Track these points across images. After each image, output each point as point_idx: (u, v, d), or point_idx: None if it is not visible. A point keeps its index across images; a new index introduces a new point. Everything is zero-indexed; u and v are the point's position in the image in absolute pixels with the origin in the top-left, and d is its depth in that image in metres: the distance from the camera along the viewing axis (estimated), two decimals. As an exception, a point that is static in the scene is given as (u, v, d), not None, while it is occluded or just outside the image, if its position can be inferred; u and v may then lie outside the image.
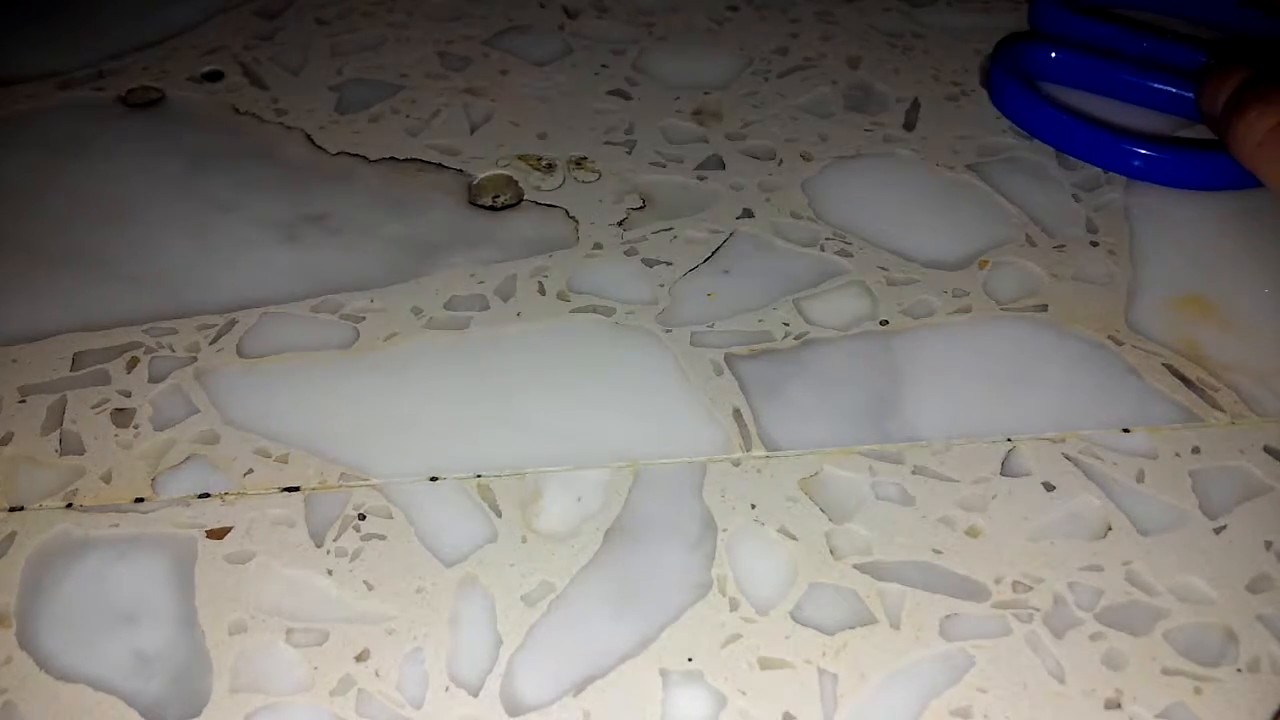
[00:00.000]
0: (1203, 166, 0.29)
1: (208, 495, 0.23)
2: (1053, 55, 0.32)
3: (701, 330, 0.26)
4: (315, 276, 0.27)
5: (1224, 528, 0.22)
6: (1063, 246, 0.28)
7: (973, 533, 0.22)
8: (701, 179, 0.30)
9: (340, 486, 0.23)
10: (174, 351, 0.25)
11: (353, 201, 0.29)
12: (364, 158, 0.30)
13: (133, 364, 0.25)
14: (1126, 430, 0.24)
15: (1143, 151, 0.29)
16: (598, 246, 0.28)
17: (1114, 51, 0.32)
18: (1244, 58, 0.28)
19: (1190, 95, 0.30)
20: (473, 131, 0.31)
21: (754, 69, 0.34)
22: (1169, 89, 0.31)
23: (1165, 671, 0.20)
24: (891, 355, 0.25)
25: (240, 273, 0.27)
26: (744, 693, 0.20)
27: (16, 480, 0.23)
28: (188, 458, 0.23)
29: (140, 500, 0.22)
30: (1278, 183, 0.25)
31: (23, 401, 0.24)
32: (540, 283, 0.27)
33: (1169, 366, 0.25)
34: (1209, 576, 0.21)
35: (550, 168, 0.30)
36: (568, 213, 0.29)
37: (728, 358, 0.25)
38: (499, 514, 0.22)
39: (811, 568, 0.21)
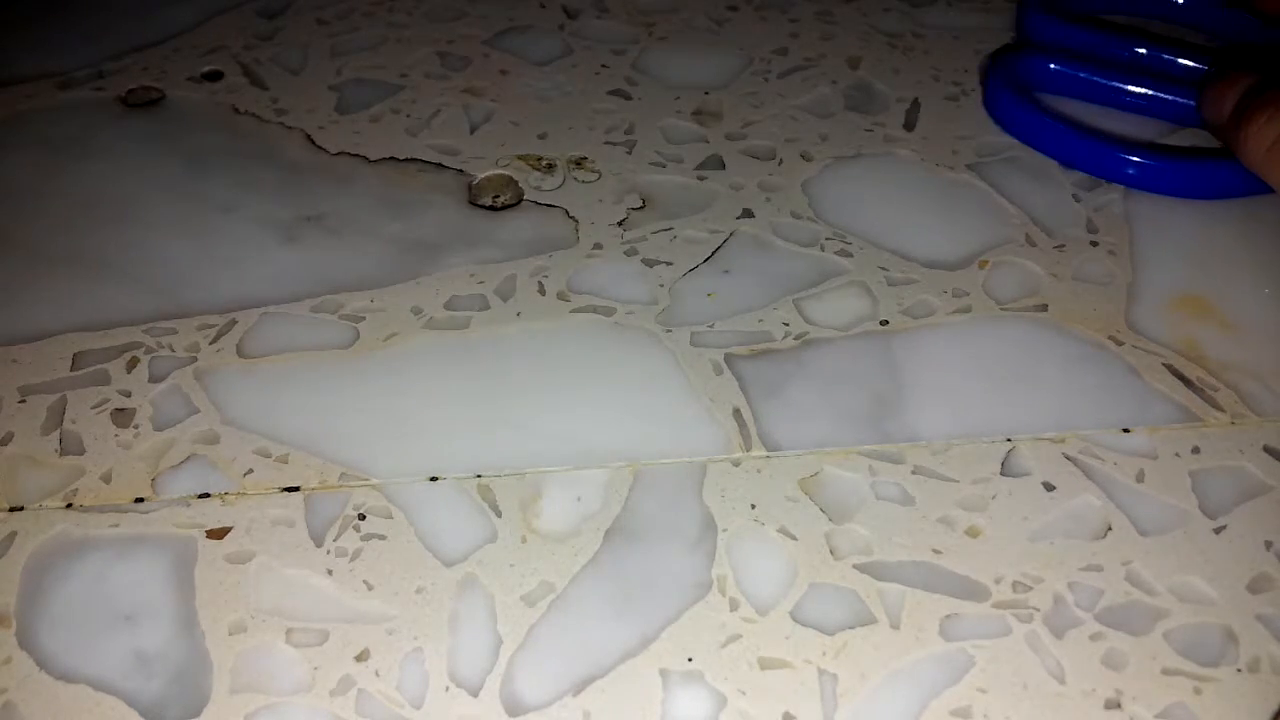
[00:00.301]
0: (1199, 174, 0.29)
1: (208, 495, 0.23)
2: (1051, 66, 0.32)
3: (701, 330, 0.26)
4: (315, 276, 0.27)
5: (1224, 527, 0.22)
6: (1063, 246, 0.28)
7: (973, 533, 0.22)
8: (701, 179, 0.30)
9: (340, 486, 0.23)
10: (174, 351, 0.25)
11: (353, 201, 0.29)
12: (364, 158, 0.30)
13: (133, 364, 0.25)
14: (1126, 430, 0.24)
15: (1136, 160, 0.29)
16: (598, 246, 0.28)
17: (1109, 60, 0.32)
18: (1247, 64, 0.28)
19: (1188, 102, 0.30)
20: (473, 131, 0.31)
21: (754, 69, 0.34)
22: (1166, 96, 0.31)
23: (1165, 671, 0.20)
24: (891, 355, 0.25)
25: (240, 273, 0.27)
26: (744, 693, 0.20)
27: (16, 480, 0.23)
28: (188, 458, 0.23)
29: (140, 500, 0.22)
30: None
31: (23, 401, 0.24)
32: (540, 283, 0.27)
33: (1169, 366, 0.25)
34: (1209, 576, 0.21)
35: (550, 168, 0.30)
36: (568, 213, 0.29)
37: (728, 358, 0.25)
38: (499, 514, 0.22)
39: (811, 568, 0.21)
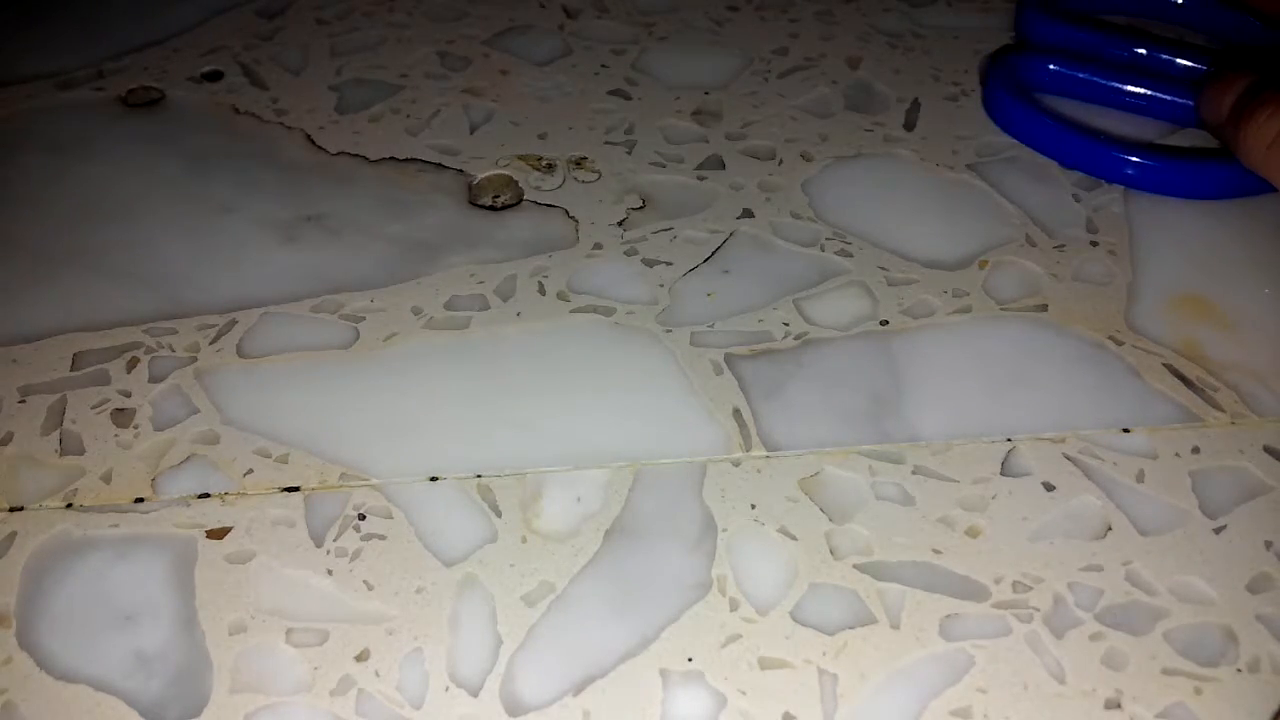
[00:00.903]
0: (1198, 174, 0.29)
1: (208, 495, 0.23)
2: (1050, 67, 0.32)
3: (701, 330, 0.26)
4: (315, 276, 0.27)
5: (1224, 527, 0.22)
6: (1063, 246, 0.28)
7: (973, 533, 0.22)
8: (701, 179, 0.30)
9: (340, 486, 0.23)
10: (174, 351, 0.25)
11: (353, 201, 0.29)
12: (364, 158, 0.30)
13: (133, 364, 0.25)
14: (1126, 430, 0.24)
15: (1135, 160, 0.29)
16: (598, 246, 0.28)
17: (1108, 60, 0.32)
18: (1245, 65, 0.28)
19: (1187, 102, 0.30)
20: (473, 131, 0.31)
21: (754, 69, 0.34)
22: (1165, 96, 0.31)
23: (1165, 671, 0.20)
24: (891, 355, 0.25)
25: (240, 273, 0.27)
26: (744, 693, 0.20)
27: (17, 480, 0.23)
28: (188, 458, 0.23)
29: (140, 500, 0.22)
30: None
31: (23, 402, 0.24)
32: (540, 283, 0.27)
33: (1169, 366, 0.25)
34: (1209, 576, 0.21)
35: (550, 168, 0.30)
36: (568, 213, 0.29)
37: (728, 358, 0.25)
38: (499, 514, 0.22)
39: (811, 568, 0.21)
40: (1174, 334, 0.26)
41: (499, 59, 0.34)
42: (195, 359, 0.25)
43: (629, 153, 0.31)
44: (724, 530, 0.22)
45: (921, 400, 0.24)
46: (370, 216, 0.29)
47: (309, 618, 0.21)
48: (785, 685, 0.20)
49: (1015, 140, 0.31)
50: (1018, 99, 0.31)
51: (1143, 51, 0.32)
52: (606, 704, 0.19)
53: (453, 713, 0.19)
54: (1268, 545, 0.22)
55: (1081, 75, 0.32)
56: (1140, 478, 0.23)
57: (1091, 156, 0.30)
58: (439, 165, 0.30)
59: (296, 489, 0.23)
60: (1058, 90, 0.32)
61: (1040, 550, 0.22)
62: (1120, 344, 0.26)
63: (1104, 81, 0.32)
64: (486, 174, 0.30)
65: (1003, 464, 0.23)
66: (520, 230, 0.28)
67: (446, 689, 0.20)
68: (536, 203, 0.29)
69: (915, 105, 0.32)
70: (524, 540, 0.22)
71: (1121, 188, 0.29)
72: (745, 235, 0.28)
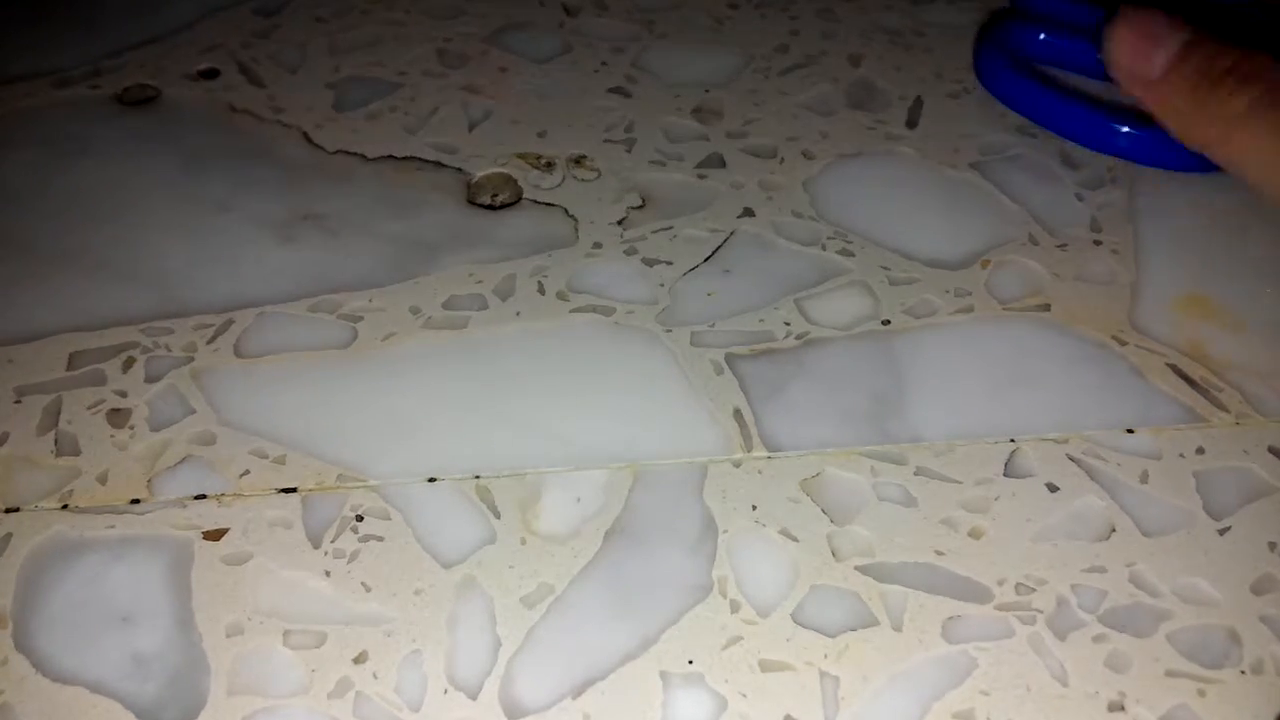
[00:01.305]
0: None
1: (204, 496, 0.22)
2: (1041, 36, 0.32)
3: (702, 330, 0.26)
4: (313, 276, 0.27)
5: (1228, 529, 0.22)
6: (1065, 246, 0.28)
7: (975, 534, 0.22)
8: (702, 177, 0.30)
9: (338, 487, 0.23)
10: (170, 351, 0.25)
11: (351, 200, 0.29)
12: (362, 156, 0.30)
13: (129, 364, 0.25)
14: (1130, 431, 0.24)
15: (1126, 130, 0.29)
16: (597, 246, 0.28)
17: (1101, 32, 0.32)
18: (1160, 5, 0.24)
19: None
20: (471, 129, 0.31)
21: (755, 66, 0.33)
22: None
23: (1169, 673, 0.20)
24: (893, 355, 0.25)
25: (237, 272, 0.27)
26: (745, 695, 0.19)
27: (12, 481, 0.23)
28: (184, 458, 0.23)
29: (136, 501, 0.22)
30: (1263, 174, 0.20)
31: (18, 402, 0.24)
32: (539, 282, 0.27)
33: (1173, 367, 0.25)
34: (1212, 578, 0.21)
35: (549, 166, 0.30)
36: (567, 211, 0.29)
37: (728, 358, 0.25)
38: (498, 515, 0.22)
39: (813, 569, 0.21)
40: (1178, 334, 0.26)
41: (498, 56, 0.34)
42: (192, 359, 0.25)
43: (629, 151, 0.30)
44: (725, 531, 0.22)
45: (924, 401, 0.24)
46: (368, 215, 0.29)
47: (306, 619, 0.20)
48: (786, 687, 0.20)
49: (1023, 130, 0.31)
50: (1012, 67, 0.31)
51: None
52: (606, 706, 0.19)
53: (451, 715, 0.19)
54: (1272, 546, 0.22)
55: (1072, 45, 0.32)
56: (1144, 479, 0.23)
57: (1083, 124, 0.30)
58: (437, 164, 0.30)
59: (294, 490, 0.23)
60: (1048, 60, 0.32)
61: (1043, 552, 0.21)
62: (1124, 344, 0.25)
63: (1095, 52, 0.31)
64: (485, 172, 0.30)
65: (1006, 465, 0.23)
66: (519, 229, 0.28)
67: (445, 691, 0.20)
68: (536, 201, 0.29)
69: (917, 103, 0.32)
70: (523, 541, 0.22)
71: (1126, 187, 0.29)
72: (746, 234, 0.28)
